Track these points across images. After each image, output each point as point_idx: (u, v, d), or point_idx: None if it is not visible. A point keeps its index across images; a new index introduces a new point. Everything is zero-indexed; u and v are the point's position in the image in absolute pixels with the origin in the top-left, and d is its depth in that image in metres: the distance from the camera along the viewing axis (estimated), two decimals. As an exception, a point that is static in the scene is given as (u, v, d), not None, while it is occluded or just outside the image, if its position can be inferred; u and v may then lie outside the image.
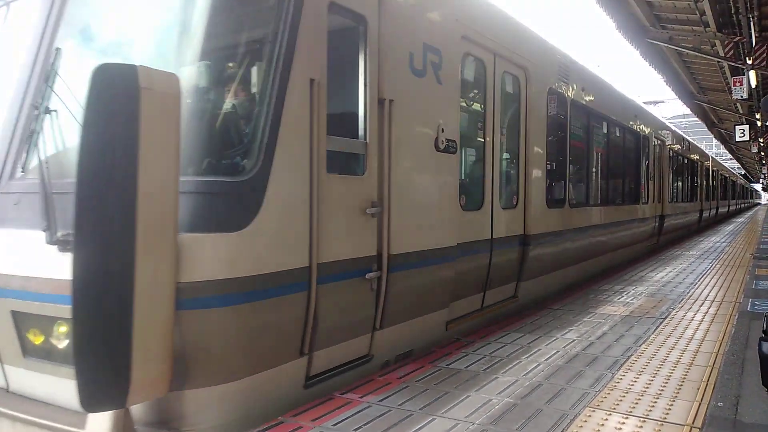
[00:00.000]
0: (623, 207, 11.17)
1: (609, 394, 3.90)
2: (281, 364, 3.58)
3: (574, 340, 5.30)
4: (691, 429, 3.33)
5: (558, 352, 4.93)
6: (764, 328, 4.03)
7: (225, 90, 3.67)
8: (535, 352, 4.91)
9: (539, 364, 4.57)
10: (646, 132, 12.68)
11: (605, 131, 10.36)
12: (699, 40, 14.19)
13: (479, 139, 5.99)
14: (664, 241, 15.00)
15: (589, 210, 9.16)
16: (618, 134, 11.10)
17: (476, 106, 6.05)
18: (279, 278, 3.43)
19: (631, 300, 7.33)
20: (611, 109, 10.17)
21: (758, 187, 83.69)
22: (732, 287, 8.28)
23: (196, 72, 3.48)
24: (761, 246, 15.17)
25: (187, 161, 3.17)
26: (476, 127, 6.00)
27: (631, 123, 11.50)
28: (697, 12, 12.53)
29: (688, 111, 28.34)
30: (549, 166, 7.53)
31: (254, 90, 3.67)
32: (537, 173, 6.93)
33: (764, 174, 56.00)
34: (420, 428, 3.35)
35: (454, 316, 5.42)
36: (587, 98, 8.76)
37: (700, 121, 30.43)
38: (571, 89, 8.01)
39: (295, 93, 3.52)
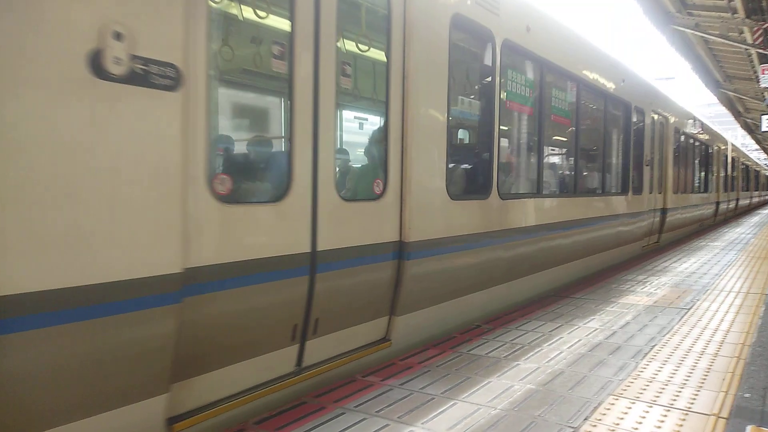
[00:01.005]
0: (601, 198, 8.57)
1: (633, 382, 3.86)
2: None
3: (596, 329, 5.26)
4: (717, 419, 3.29)
5: (580, 340, 4.89)
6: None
7: None
8: (556, 340, 4.87)
9: (561, 352, 4.54)
10: (641, 105, 10.01)
11: (571, 96, 7.50)
12: (726, 26, 13.87)
13: (277, 73, 3.61)
14: (667, 240, 12.65)
15: (536, 202, 6.49)
16: (594, 103, 8.38)
17: (269, 16, 3.48)
18: None
19: (655, 290, 7.24)
20: (582, 66, 7.47)
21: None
22: (758, 279, 8.13)
23: None
24: (787, 238, 14.88)
25: None
26: (269, 51, 3.65)
27: (616, 91, 8.72)
28: (725, -3, 12.26)
29: (713, 100, 27.79)
30: (456, 136, 5.22)
31: None
32: (429, 145, 4.53)
33: (791, 165, 54.83)
34: (442, 412, 3.35)
35: (200, 402, 3.10)
36: (535, 42, 6.13)
37: (726, 111, 29.86)
38: (502, 25, 5.46)
39: None
